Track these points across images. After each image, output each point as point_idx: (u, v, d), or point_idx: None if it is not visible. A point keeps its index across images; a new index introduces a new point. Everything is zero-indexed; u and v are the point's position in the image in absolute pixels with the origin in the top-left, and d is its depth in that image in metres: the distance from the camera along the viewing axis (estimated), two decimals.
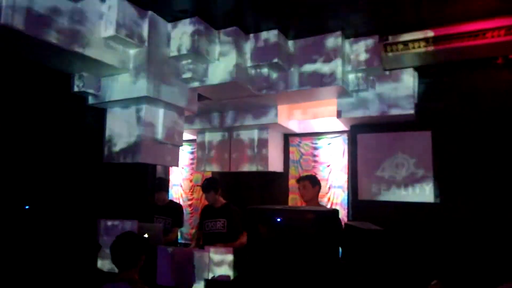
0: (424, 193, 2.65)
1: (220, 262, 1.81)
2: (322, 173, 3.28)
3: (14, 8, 1.56)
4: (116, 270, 1.54)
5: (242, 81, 2.36)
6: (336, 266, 1.54)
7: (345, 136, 3.21)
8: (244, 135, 3.31)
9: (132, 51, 2.13)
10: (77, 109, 2.30)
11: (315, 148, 3.36)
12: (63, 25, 1.77)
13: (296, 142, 3.46)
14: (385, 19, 2.22)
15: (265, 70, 2.43)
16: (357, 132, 2.94)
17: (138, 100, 2.20)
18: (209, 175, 3.65)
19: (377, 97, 2.62)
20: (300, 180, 2.59)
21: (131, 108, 2.28)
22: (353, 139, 2.97)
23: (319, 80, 2.39)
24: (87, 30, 1.88)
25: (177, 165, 2.62)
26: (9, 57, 1.91)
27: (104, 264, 1.99)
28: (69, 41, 1.79)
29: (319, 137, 3.34)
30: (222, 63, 2.32)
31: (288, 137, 3.48)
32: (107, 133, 2.35)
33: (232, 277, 1.78)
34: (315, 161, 3.34)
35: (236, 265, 1.80)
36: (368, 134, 2.87)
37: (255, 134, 3.24)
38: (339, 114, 2.75)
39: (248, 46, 2.41)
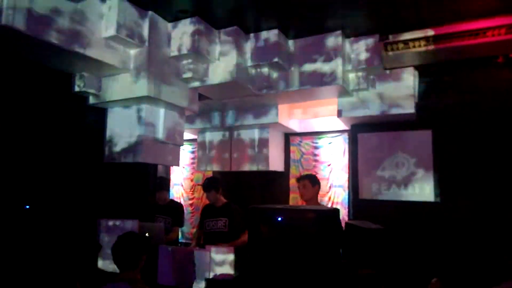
0: (424, 192, 2.66)
1: (221, 261, 1.82)
2: (322, 173, 3.28)
3: (15, 9, 1.56)
4: (117, 270, 1.55)
5: (243, 80, 2.36)
6: (337, 265, 1.55)
7: (345, 135, 3.21)
8: (245, 134, 3.31)
9: (132, 51, 2.13)
10: (77, 109, 2.31)
11: (316, 148, 3.36)
12: (64, 26, 1.77)
13: (297, 142, 3.46)
14: (386, 18, 2.22)
15: (265, 70, 2.43)
16: (357, 131, 2.94)
17: (138, 100, 2.20)
18: (210, 174, 3.66)
19: (377, 96, 2.62)
20: (300, 179, 2.59)
21: (131, 108, 2.29)
22: (354, 138, 2.97)
23: (319, 80, 2.39)
24: (87, 30, 1.89)
25: (178, 165, 2.63)
26: (10, 57, 1.92)
27: (105, 264, 2.00)
28: (70, 41, 1.80)
29: (320, 137, 3.34)
30: (222, 63, 2.33)
31: (288, 137, 3.48)
32: (108, 133, 2.36)
33: (233, 276, 1.78)
34: (316, 161, 3.34)
35: (237, 264, 1.81)
36: (368, 133, 2.87)
37: (255, 133, 3.24)
38: (339, 114, 2.75)
39: (249, 46, 2.41)
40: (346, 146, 3.20)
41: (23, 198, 2.00)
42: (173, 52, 2.24)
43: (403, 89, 2.56)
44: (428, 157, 2.67)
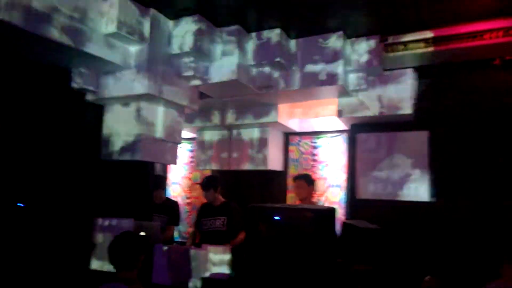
0: (420, 192, 2.68)
1: (218, 260, 1.82)
2: (321, 172, 3.30)
3: (13, 4, 1.54)
4: (112, 270, 1.52)
5: (244, 79, 2.36)
6: (333, 264, 1.56)
7: (344, 135, 3.23)
8: (244, 133, 3.31)
9: (133, 48, 2.12)
10: (75, 106, 2.28)
11: (315, 147, 3.37)
12: (63, 21, 1.75)
13: (296, 141, 3.47)
14: (386, 20, 2.24)
15: (266, 69, 2.43)
16: (356, 131, 2.96)
17: (138, 98, 2.19)
18: (208, 173, 3.66)
19: (377, 97, 2.64)
20: (295, 179, 2.61)
21: (130, 105, 2.27)
22: (352, 139, 2.99)
23: (320, 80, 2.40)
24: (87, 27, 1.87)
25: (175, 163, 2.63)
26: (7, 52, 1.90)
27: (100, 264, 1.98)
28: (69, 37, 1.78)
29: (319, 136, 3.36)
30: (223, 62, 2.32)
31: (288, 136, 3.49)
32: (106, 130, 2.33)
33: (229, 275, 1.79)
34: (314, 160, 3.35)
35: (233, 263, 1.81)
36: (367, 133, 2.89)
37: (255, 132, 3.24)
38: (339, 114, 2.76)
39: (250, 45, 2.41)
40: (345, 146, 3.21)
41: (16, 196, 1.98)
42: (174, 50, 2.22)
43: (402, 90, 2.58)
44: (424, 158, 2.70)
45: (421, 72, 2.65)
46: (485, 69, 2.53)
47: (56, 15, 1.72)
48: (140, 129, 2.21)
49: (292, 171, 3.38)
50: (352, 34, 2.41)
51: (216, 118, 3.29)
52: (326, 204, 3.18)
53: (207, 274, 1.79)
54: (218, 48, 2.33)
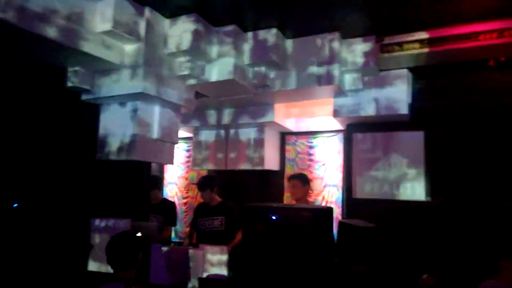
0: (415, 191, 2.71)
1: (215, 260, 1.82)
2: (317, 172, 3.31)
3: (9, 2, 1.52)
4: (107, 271, 1.51)
5: (240, 79, 2.36)
6: (330, 263, 1.57)
7: (340, 135, 3.24)
8: (241, 133, 3.31)
9: (128, 47, 2.10)
10: (70, 105, 2.26)
11: (311, 147, 3.38)
12: (59, 20, 1.73)
13: (292, 141, 3.48)
14: (382, 20, 2.25)
15: (263, 69, 2.43)
16: (352, 131, 2.97)
17: (133, 97, 2.17)
18: (204, 173, 3.65)
19: (372, 97, 2.65)
20: (290, 178, 2.61)
21: (126, 104, 2.26)
22: (349, 138, 3.00)
23: (316, 79, 2.40)
24: (83, 25, 1.85)
25: (172, 163, 2.61)
26: (2, 51, 1.87)
27: (97, 264, 1.97)
28: (64, 35, 1.76)
29: (315, 136, 3.37)
30: (220, 61, 2.32)
31: (284, 136, 3.50)
32: (101, 130, 2.31)
33: (226, 275, 1.78)
34: (311, 160, 3.36)
35: (231, 263, 1.81)
36: (363, 133, 2.91)
37: (251, 132, 3.25)
38: (335, 114, 2.77)
39: (246, 44, 2.41)
40: (341, 146, 3.23)
41: (11, 196, 1.95)
42: (170, 49, 2.21)
43: (398, 91, 2.60)
44: (420, 158, 2.72)
45: (417, 72, 2.68)
46: (480, 70, 2.56)
47: (51, 13, 1.70)
48: (136, 129, 2.20)
49: (289, 171, 3.38)
50: (348, 34, 2.43)
51: (212, 118, 3.28)
52: (323, 204, 3.20)
53: (205, 275, 1.79)
54: (214, 48, 2.33)
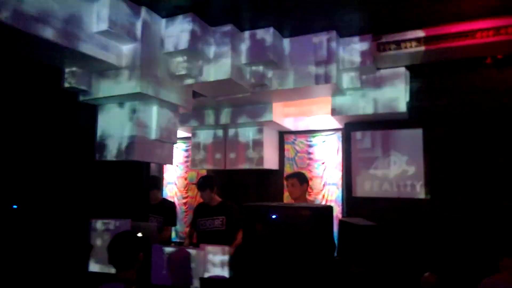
0: (415, 189, 2.72)
1: (217, 260, 1.82)
2: (316, 171, 3.32)
3: (4, 2, 1.52)
4: (107, 271, 1.51)
5: (237, 78, 2.36)
6: (331, 262, 1.57)
7: (339, 133, 3.25)
8: (239, 132, 3.31)
9: (125, 47, 2.10)
10: (68, 106, 2.25)
11: (310, 146, 3.39)
12: (55, 20, 1.73)
13: (291, 140, 3.48)
14: (379, 19, 2.26)
15: (260, 68, 2.43)
16: (351, 129, 2.98)
17: (131, 97, 2.17)
18: (204, 173, 3.65)
19: (370, 95, 2.66)
20: (288, 178, 2.61)
21: (124, 105, 2.25)
22: (347, 137, 3.01)
23: (313, 78, 2.41)
24: (79, 26, 1.85)
25: (171, 163, 2.61)
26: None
27: (97, 265, 1.96)
28: (61, 36, 1.76)
29: (314, 135, 3.37)
30: (217, 61, 2.32)
31: (283, 135, 3.50)
32: (99, 130, 2.31)
33: (227, 275, 1.78)
34: (310, 159, 3.37)
35: (231, 263, 1.81)
36: (361, 131, 2.91)
37: (250, 131, 3.25)
38: (333, 112, 2.78)
39: (243, 44, 2.41)
40: (340, 145, 3.23)
41: (10, 197, 1.95)
42: (167, 49, 2.21)
43: (395, 89, 2.61)
44: (419, 155, 2.73)
45: (414, 71, 2.69)
46: (477, 68, 2.57)
47: (48, 14, 1.69)
48: (135, 130, 2.19)
49: (288, 170, 3.39)
50: (345, 33, 2.43)
51: (210, 118, 3.28)
52: (323, 203, 3.20)
53: (206, 275, 1.78)
54: (211, 47, 2.33)
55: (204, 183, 2.75)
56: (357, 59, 2.46)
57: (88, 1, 1.90)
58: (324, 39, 2.38)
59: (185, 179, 4.04)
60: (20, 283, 1.86)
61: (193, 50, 2.18)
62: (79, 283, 1.95)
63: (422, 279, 1.88)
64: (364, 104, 2.67)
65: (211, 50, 2.33)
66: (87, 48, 1.88)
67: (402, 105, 2.59)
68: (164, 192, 4.06)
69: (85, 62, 2.02)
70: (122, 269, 1.49)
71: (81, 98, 2.25)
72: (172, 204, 3.19)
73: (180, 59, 2.24)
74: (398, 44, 2.38)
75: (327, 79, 2.37)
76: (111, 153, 2.24)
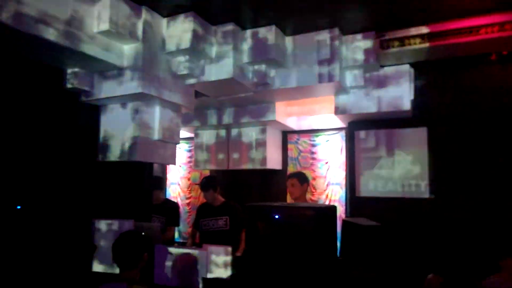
0: (419, 189, 2.68)
1: (220, 261, 1.81)
2: (320, 170, 3.29)
3: (5, 3, 1.52)
4: (111, 271, 1.52)
5: (240, 77, 2.35)
6: (334, 262, 1.55)
7: (343, 133, 3.22)
8: (242, 132, 3.30)
9: (126, 47, 2.10)
10: (70, 106, 2.26)
11: (313, 145, 3.37)
12: (57, 21, 1.73)
13: (294, 139, 3.46)
14: (382, 16, 2.23)
15: (262, 67, 2.42)
16: (354, 129, 2.95)
17: (133, 97, 2.17)
18: (207, 173, 3.65)
19: (374, 93, 2.63)
20: (288, 178, 2.59)
21: (126, 105, 2.25)
22: (351, 136, 2.98)
23: (316, 77, 2.39)
24: (81, 26, 1.85)
25: (174, 163, 2.61)
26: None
27: (101, 265, 1.97)
28: (63, 36, 1.76)
29: (317, 134, 3.35)
30: (219, 60, 2.31)
31: (286, 134, 3.48)
32: (102, 131, 2.31)
33: (230, 275, 1.77)
34: (313, 158, 3.35)
35: (234, 263, 1.80)
36: (365, 130, 2.89)
37: (253, 131, 3.23)
38: (337, 111, 2.75)
39: (245, 43, 2.40)
40: (343, 144, 3.21)
41: (14, 198, 1.96)
42: (169, 48, 2.21)
43: (399, 87, 2.57)
44: (424, 154, 2.69)
45: (418, 67, 2.65)
46: (482, 64, 2.53)
47: (49, 15, 1.70)
48: (137, 130, 2.19)
49: (291, 170, 3.37)
50: (348, 30, 2.41)
51: (213, 118, 3.28)
52: (327, 203, 3.18)
53: (209, 275, 1.78)
54: (213, 46, 2.32)
55: (207, 183, 2.74)
56: (360, 57, 2.43)
57: (89, 1, 1.91)
58: (327, 37, 2.36)
59: (188, 179, 4.05)
60: (23, 283, 1.87)
61: (195, 50, 2.17)
62: (82, 283, 1.96)
63: (426, 281, 1.85)
64: (367, 102, 2.64)
65: (213, 49, 2.32)
66: (88, 48, 1.89)
67: (406, 103, 2.56)
68: (167, 193, 4.07)
69: (87, 62, 2.02)
70: (125, 268, 1.49)
71: (83, 98, 2.25)
72: (174, 204, 3.20)
73: (182, 58, 2.23)
74: (401, 41, 2.35)
75: (330, 77, 2.35)
76: (114, 154, 2.24)
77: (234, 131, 3.35)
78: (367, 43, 2.41)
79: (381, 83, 2.62)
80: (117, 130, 2.26)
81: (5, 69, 1.95)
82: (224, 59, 2.29)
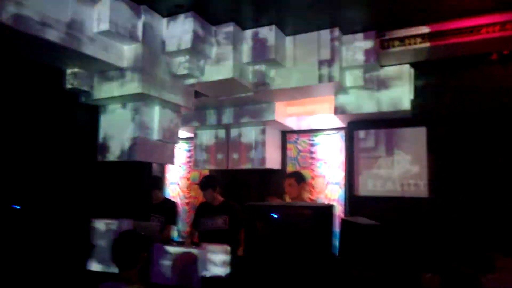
0: (419, 188, 2.68)
1: (217, 259, 1.81)
2: (319, 170, 3.29)
3: (6, 4, 1.53)
4: (109, 271, 1.52)
5: (239, 77, 2.35)
6: (332, 261, 1.56)
7: (342, 132, 3.22)
8: (242, 132, 3.30)
9: (126, 47, 2.10)
10: (69, 106, 2.27)
11: (312, 145, 3.37)
12: (57, 22, 1.73)
13: (294, 139, 3.46)
14: (382, 15, 2.22)
15: (262, 67, 2.42)
16: (354, 128, 2.95)
17: (133, 98, 2.17)
18: (206, 173, 3.65)
19: (374, 93, 2.63)
20: (286, 177, 2.60)
21: (126, 105, 2.26)
22: (350, 136, 2.98)
23: (316, 77, 2.39)
24: (80, 26, 1.85)
25: (173, 163, 2.62)
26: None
27: (99, 265, 1.97)
28: (63, 37, 1.76)
29: (316, 134, 3.35)
30: (219, 60, 2.31)
31: (285, 134, 3.48)
32: (101, 131, 2.32)
33: (228, 274, 1.78)
34: (313, 158, 3.35)
35: (232, 261, 1.81)
36: (364, 130, 2.89)
37: (252, 131, 3.24)
38: (336, 111, 2.75)
39: (245, 42, 2.40)
40: (343, 144, 3.21)
41: (13, 198, 1.97)
42: (169, 48, 2.21)
43: (399, 87, 2.57)
44: (423, 154, 2.69)
45: (418, 67, 2.65)
46: (483, 64, 2.52)
47: (50, 16, 1.70)
48: (137, 130, 2.20)
49: (290, 169, 3.37)
50: (348, 30, 2.40)
51: (212, 118, 3.28)
52: (325, 202, 3.18)
53: (207, 274, 1.78)
54: (213, 47, 2.32)
55: (206, 183, 2.75)
56: (360, 57, 2.42)
57: (89, 2, 1.91)
58: (327, 37, 2.36)
59: (188, 179, 4.05)
60: (22, 283, 1.88)
61: (195, 50, 2.17)
62: (80, 282, 1.97)
63: (423, 280, 1.85)
64: (367, 102, 2.64)
65: (213, 50, 2.32)
66: (88, 49, 1.89)
67: (406, 103, 2.56)
68: (167, 192, 4.08)
69: (87, 63, 2.02)
70: (124, 268, 1.50)
71: (83, 99, 2.26)
72: (173, 204, 3.21)
73: (181, 59, 2.23)
74: (402, 40, 2.34)
75: (330, 77, 2.35)
76: (114, 154, 2.25)
77: (234, 131, 3.35)
78: (367, 43, 2.40)
79: (381, 83, 2.61)
80: (117, 130, 2.26)
81: (4, 69, 1.95)
82: (224, 59, 2.29)
